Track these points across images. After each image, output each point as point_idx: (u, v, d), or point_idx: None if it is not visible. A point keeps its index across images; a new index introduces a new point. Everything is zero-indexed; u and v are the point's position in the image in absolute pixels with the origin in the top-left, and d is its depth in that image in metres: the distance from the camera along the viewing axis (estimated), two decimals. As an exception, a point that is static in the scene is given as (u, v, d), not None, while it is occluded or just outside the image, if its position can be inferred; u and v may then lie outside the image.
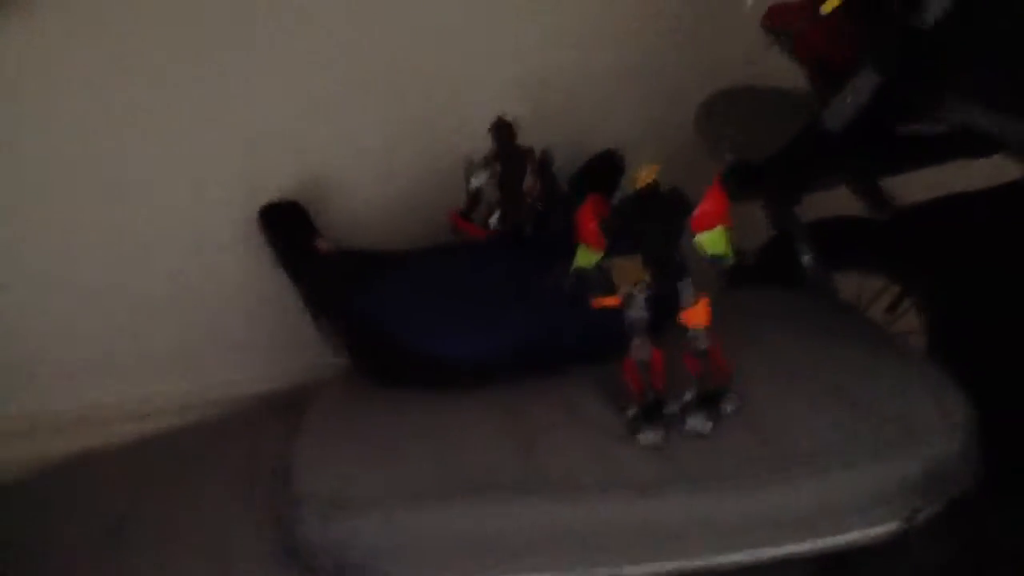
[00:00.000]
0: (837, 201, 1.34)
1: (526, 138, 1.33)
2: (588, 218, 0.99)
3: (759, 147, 1.25)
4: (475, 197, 1.33)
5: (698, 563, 0.94)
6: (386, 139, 1.53)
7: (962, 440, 0.98)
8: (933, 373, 1.08)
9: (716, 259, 0.98)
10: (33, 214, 1.41)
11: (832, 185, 1.31)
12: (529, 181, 1.31)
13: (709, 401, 1.01)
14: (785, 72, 1.30)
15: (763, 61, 1.36)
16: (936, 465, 0.96)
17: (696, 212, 0.97)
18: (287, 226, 1.34)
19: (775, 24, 1.20)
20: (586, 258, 1.01)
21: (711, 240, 0.98)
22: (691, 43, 1.61)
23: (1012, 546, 1.04)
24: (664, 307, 1.02)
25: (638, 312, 1.00)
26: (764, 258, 1.40)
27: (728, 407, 1.01)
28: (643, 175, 1.00)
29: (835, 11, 1.05)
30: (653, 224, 0.99)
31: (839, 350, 1.14)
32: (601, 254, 1.00)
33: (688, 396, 1.01)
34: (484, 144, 1.32)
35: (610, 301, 1.01)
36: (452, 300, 1.17)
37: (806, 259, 1.37)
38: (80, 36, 1.34)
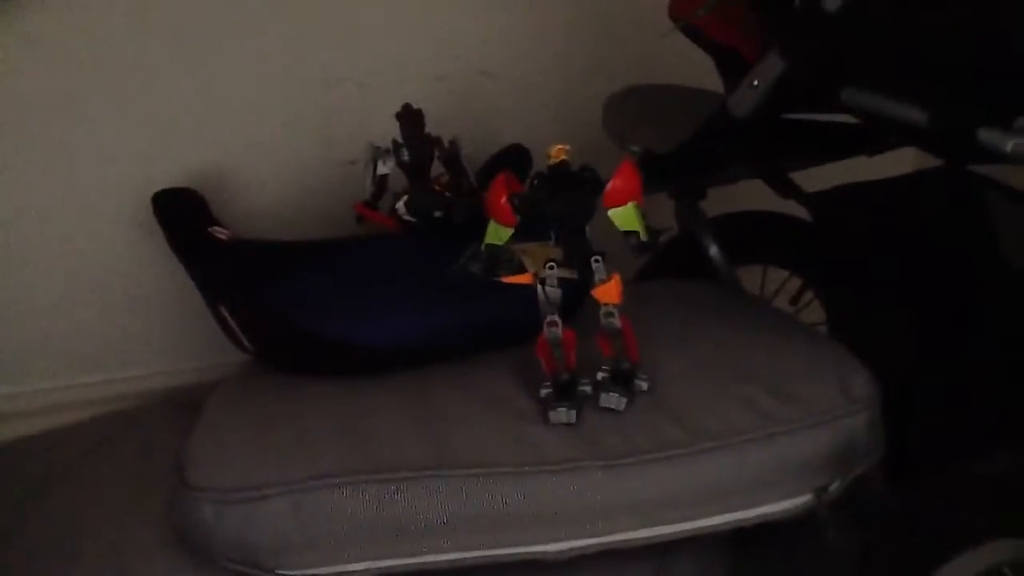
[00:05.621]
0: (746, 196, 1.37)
1: (433, 133, 1.31)
2: (499, 194, 0.97)
3: (666, 139, 1.25)
4: (380, 185, 1.30)
5: (611, 539, 0.93)
6: (285, 134, 1.51)
7: (867, 417, 1.01)
8: (838, 353, 1.10)
9: (629, 236, 0.98)
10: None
11: (738, 177, 1.33)
12: (436, 169, 1.29)
13: (622, 380, 1.00)
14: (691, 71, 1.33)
15: (668, 60, 1.38)
16: (842, 441, 0.99)
17: (608, 188, 0.96)
18: (182, 212, 1.27)
19: (682, 14, 1.21)
20: (497, 235, 0.99)
21: (622, 216, 0.97)
22: (600, 42, 1.63)
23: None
24: (576, 291, 1.01)
25: (551, 290, 0.98)
26: (670, 252, 1.40)
27: (641, 385, 1.00)
28: (554, 152, 0.99)
29: None
30: (565, 200, 0.98)
31: (745, 333, 1.16)
32: (512, 230, 0.99)
33: (601, 375, 1.00)
34: (387, 138, 1.29)
35: (522, 278, 1.00)
36: (363, 286, 1.13)
37: (712, 251, 1.38)
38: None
